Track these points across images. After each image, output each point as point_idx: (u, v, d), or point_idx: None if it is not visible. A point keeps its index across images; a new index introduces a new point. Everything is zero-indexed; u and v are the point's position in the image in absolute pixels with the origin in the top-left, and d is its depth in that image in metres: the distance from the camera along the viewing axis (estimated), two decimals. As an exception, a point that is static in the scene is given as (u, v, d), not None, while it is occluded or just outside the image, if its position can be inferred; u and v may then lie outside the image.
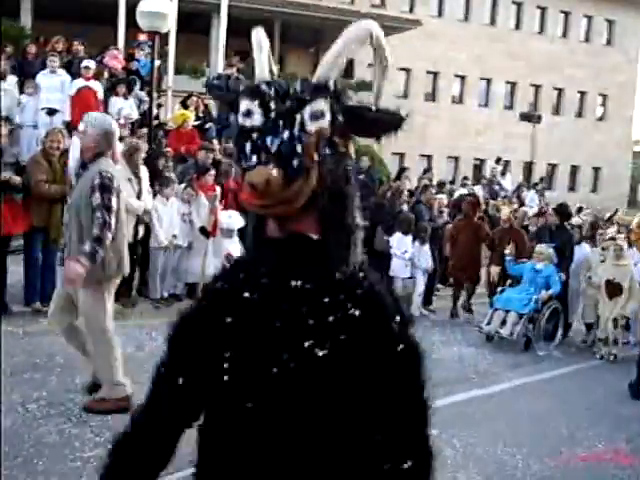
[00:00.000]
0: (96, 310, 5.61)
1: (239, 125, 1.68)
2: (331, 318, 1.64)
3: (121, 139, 10.84)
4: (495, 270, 11.48)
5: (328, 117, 1.64)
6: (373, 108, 1.72)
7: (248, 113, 1.65)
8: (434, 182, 16.62)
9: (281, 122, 1.61)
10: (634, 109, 36.06)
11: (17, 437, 5.24)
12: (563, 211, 11.42)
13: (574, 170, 34.02)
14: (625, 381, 8.21)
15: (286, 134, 1.60)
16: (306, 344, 1.63)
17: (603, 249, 10.50)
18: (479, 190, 17.82)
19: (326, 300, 1.65)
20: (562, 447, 6.22)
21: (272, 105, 1.63)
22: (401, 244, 11.39)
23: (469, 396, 7.50)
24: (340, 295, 1.66)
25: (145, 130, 12.10)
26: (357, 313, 1.64)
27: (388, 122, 1.72)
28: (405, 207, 12.13)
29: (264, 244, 1.75)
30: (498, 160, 22.01)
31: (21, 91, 12.63)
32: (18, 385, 6.14)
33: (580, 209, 16.81)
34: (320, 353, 1.63)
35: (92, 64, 13.17)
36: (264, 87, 1.67)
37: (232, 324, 1.71)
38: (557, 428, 6.73)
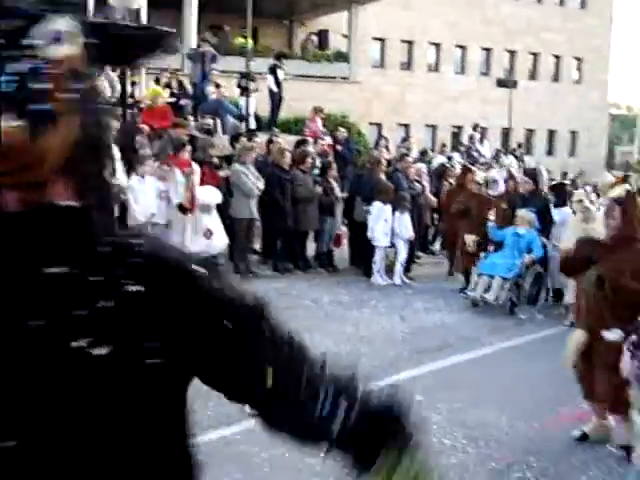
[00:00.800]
0: None
1: None
2: (105, 303, 1.21)
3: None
4: (470, 239, 10.93)
5: (75, 39, 1.18)
6: (128, 24, 1.31)
7: None
8: (415, 151, 16.58)
9: (7, 51, 1.10)
10: (609, 72, 36.16)
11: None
12: (534, 177, 11.55)
13: (551, 135, 34.11)
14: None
15: (19, 66, 1.10)
16: (77, 344, 1.18)
17: (573, 212, 10.19)
18: (457, 157, 17.85)
19: (94, 280, 1.21)
20: (546, 408, 6.30)
21: None
22: (381, 213, 11.44)
23: (452, 362, 7.54)
24: (112, 271, 1.23)
25: (119, 109, 12.01)
26: (140, 289, 1.23)
27: (148, 40, 1.40)
28: (383, 176, 12.14)
29: None
30: (475, 127, 22.03)
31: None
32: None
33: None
34: (98, 352, 1.19)
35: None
36: None
37: None
38: (541, 390, 6.78)
